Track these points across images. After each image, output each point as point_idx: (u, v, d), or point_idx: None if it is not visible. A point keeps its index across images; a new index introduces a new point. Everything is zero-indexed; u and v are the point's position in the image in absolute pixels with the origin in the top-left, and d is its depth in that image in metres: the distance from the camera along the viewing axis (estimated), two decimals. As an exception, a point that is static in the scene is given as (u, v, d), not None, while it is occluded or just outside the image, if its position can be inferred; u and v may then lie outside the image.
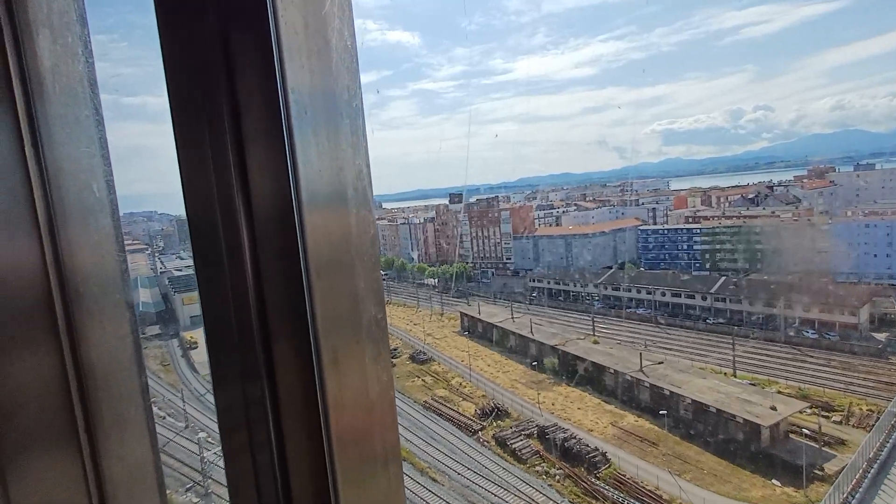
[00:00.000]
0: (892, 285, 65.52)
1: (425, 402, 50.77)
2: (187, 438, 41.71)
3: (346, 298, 1.03)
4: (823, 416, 39.24)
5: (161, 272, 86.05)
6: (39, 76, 0.92)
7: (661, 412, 41.94)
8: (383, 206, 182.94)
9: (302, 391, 1.04)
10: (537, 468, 38.05)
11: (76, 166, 0.99)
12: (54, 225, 0.93)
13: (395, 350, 66.27)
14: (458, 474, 38.15)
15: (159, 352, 64.33)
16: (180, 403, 48.42)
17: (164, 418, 47.83)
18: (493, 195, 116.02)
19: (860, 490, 26.95)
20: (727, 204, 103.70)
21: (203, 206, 1.05)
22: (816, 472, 33.75)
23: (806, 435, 37.15)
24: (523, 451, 39.74)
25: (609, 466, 37.05)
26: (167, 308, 74.71)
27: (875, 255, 70.91)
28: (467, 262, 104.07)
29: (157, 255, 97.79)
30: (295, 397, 1.05)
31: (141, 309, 72.94)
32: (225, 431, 1.09)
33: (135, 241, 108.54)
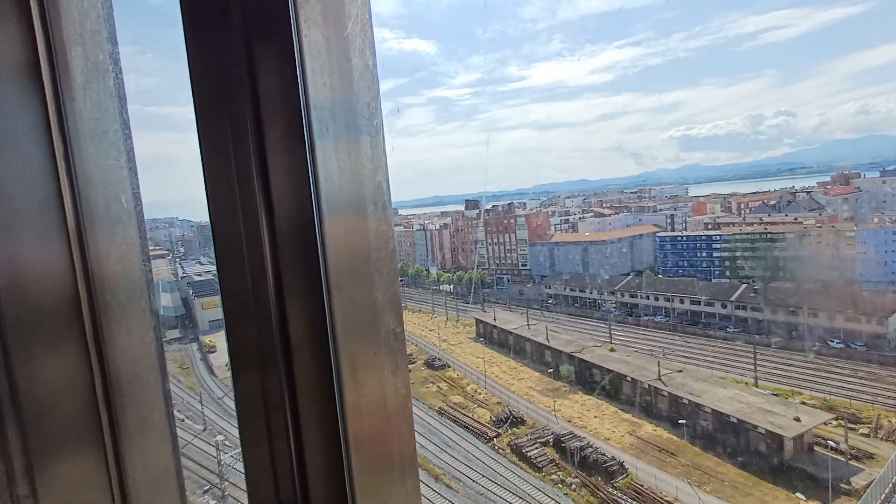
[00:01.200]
0: (922, 294, 63.44)
1: (440, 408, 50.62)
2: (205, 441, 42.22)
3: (366, 311, 1.05)
4: (850, 429, 38.07)
5: (181, 276, 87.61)
6: (72, 91, 0.95)
7: (679, 422, 41.17)
8: (399, 213, 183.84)
9: (321, 400, 1.06)
10: (553, 477, 37.59)
11: (105, 178, 1.02)
12: (83, 234, 0.96)
13: (409, 356, 66.29)
14: (473, 481, 37.90)
15: (179, 355, 65.34)
16: (199, 406, 49.06)
17: (183, 420, 48.52)
18: (509, 201, 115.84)
19: (889, 505, 26.13)
20: (748, 210, 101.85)
21: (226, 215, 1.08)
22: (843, 485, 32.72)
23: (832, 447, 36.07)
24: (539, 460, 39.31)
25: (626, 476, 36.44)
26: (187, 312, 75.94)
27: (903, 263, 68.92)
28: (483, 269, 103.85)
29: (177, 260, 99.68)
30: (314, 406, 1.07)
31: (161, 313, 74.25)
32: (244, 431, 1.12)
33: (156, 247, 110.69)
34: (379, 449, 1.10)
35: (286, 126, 1.01)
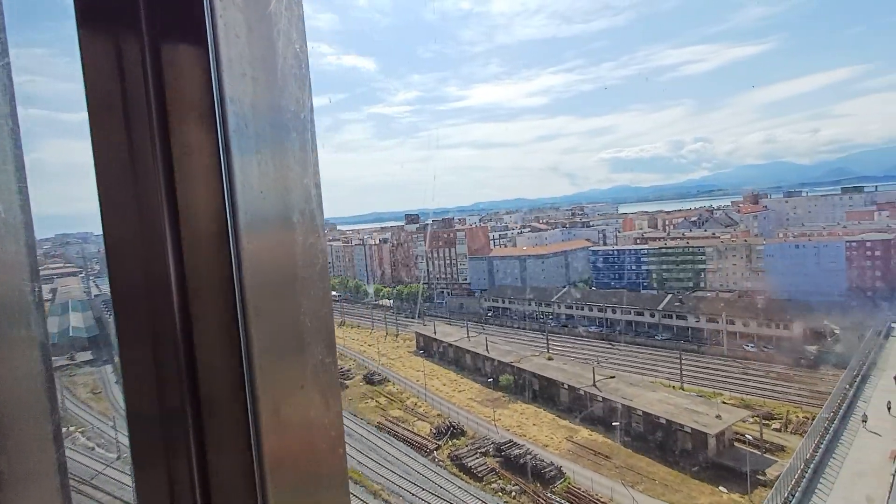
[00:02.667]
0: (821, 301, 70.15)
1: (379, 422, 49.31)
2: (119, 470, 38.61)
3: (291, 339, 0.90)
4: (765, 424, 40.84)
5: (96, 295, 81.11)
6: None
7: (613, 424, 42.46)
8: (337, 228, 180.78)
9: (238, 450, 0.90)
10: (493, 485, 37.43)
11: None
12: None
13: (348, 371, 64.44)
14: (413, 495, 36.97)
15: (90, 379, 59.90)
16: (112, 433, 44.84)
17: (93, 449, 44.16)
18: (450, 216, 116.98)
19: (798, 491, 28.01)
20: (672, 227, 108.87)
21: (122, 228, 0.92)
22: (759, 477, 34.88)
23: (749, 442, 38.47)
24: (479, 469, 39.07)
25: (564, 481, 36.95)
26: (101, 332, 69.92)
27: (805, 274, 75.90)
28: (423, 283, 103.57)
29: (91, 277, 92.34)
30: (228, 454, 0.89)
31: (71, 334, 67.91)
32: (142, 484, 0.91)
33: (67, 265, 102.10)
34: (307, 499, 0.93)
35: (198, 123, 0.87)
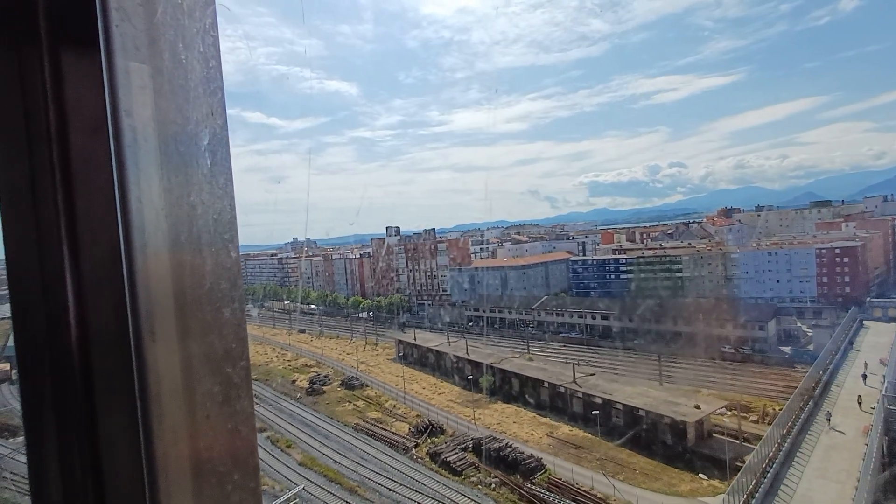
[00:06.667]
0: (794, 304, 71.67)
1: (356, 424, 48.13)
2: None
3: (193, 364, 0.83)
4: (742, 417, 41.03)
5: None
6: None
7: (593, 419, 42.17)
8: (317, 245, 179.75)
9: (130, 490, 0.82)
10: (473, 479, 36.61)
11: None
12: None
13: (325, 377, 63.11)
14: (390, 490, 35.93)
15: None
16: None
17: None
18: (430, 228, 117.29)
19: (772, 468, 28.10)
20: (649, 239, 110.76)
21: (23, 247, 0.86)
22: (738, 464, 34.73)
23: (727, 433, 38.54)
24: (458, 464, 38.23)
25: (545, 472, 36.35)
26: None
27: (778, 281, 77.69)
28: (404, 294, 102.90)
29: None
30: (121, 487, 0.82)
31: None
32: None
33: None
34: None
35: (90, 137, 0.81)
